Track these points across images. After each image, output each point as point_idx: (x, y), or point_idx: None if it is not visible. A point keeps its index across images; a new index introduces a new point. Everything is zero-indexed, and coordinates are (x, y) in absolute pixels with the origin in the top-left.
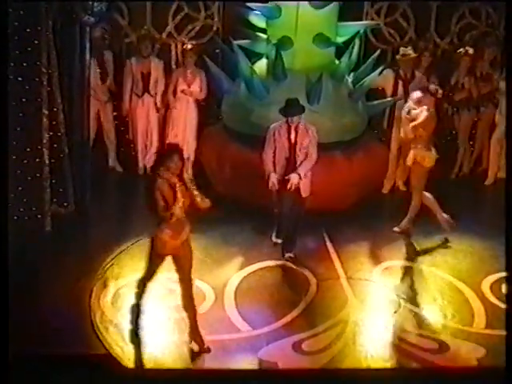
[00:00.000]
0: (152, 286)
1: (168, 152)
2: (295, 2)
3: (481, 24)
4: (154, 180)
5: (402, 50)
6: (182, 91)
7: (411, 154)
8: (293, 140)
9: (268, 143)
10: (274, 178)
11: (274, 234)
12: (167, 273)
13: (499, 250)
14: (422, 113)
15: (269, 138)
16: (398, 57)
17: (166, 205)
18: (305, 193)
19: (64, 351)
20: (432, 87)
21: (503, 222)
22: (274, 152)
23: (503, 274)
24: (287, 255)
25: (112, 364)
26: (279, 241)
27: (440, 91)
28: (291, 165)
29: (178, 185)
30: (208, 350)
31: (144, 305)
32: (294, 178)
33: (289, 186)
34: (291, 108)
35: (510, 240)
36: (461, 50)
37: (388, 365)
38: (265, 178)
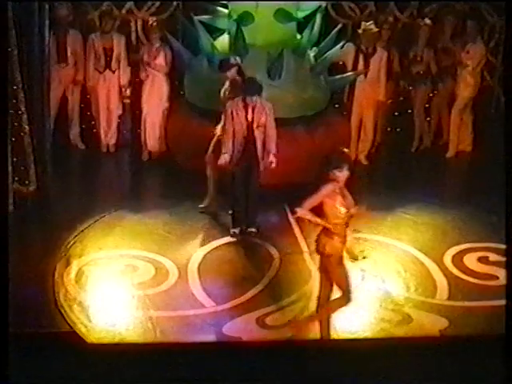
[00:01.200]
0: (114, 263)
1: (338, 160)
2: None
3: None
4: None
5: (363, 24)
6: (148, 65)
7: None
8: (250, 118)
9: (227, 121)
10: (226, 158)
11: (231, 226)
12: (129, 250)
13: (461, 222)
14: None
15: (227, 116)
16: (359, 31)
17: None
18: (262, 166)
19: (27, 329)
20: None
21: (465, 195)
22: (233, 130)
23: (465, 245)
24: (249, 230)
25: (76, 341)
26: (237, 230)
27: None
28: (249, 143)
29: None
30: None
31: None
32: (272, 158)
33: (272, 166)
34: (250, 87)
35: (510, 218)
36: (419, 20)
37: (352, 338)
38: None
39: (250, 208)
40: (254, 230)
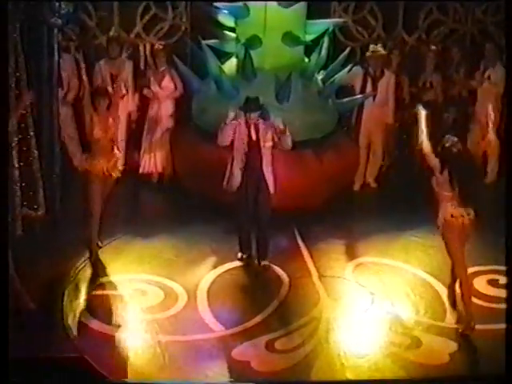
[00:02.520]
0: (122, 287)
1: None
2: (263, 2)
3: (448, 20)
4: None
5: (371, 47)
6: (157, 93)
7: None
8: (254, 137)
9: (226, 133)
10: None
11: (238, 251)
12: (138, 274)
13: (470, 245)
14: None
15: (226, 130)
16: (367, 53)
17: None
18: (272, 189)
19: (36, 354)
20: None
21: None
22: (233, 146)
23: (474, 268)
24: (263, 263)
25: (84, 367)
26: (245, 255)
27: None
28: (256, 161)
29: None
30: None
31: None
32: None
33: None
34: (251, 105)
35: (510, 238)
36: (426, 47)
37: (361, 361)
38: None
39: (261, 237)
40: (266, 263)
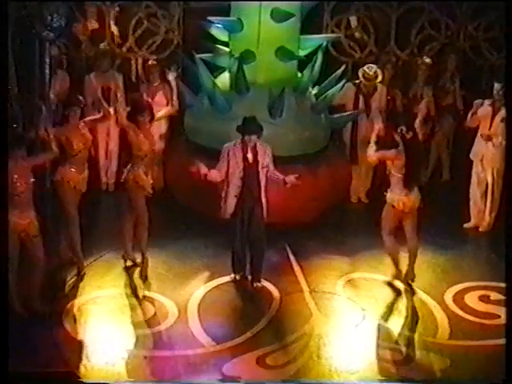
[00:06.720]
0: (113, 302)
1: None
2: (257, 16)
3: (440, 35)
4: None
5: (361, 70)
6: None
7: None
8: (251, 160)
9: (222, 162)
10: (203, 169)
11: (232, 271)
12: (129, 288)
13: (461, 261)
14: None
15: (223, 156)
16: (359, 74)
17: None
18: (265, 213)
19: (26, 369)
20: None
21: (465, 234)
22: (227, 171)
23: (466, 284)
24: (256, 285)
25: (74, 381)
26: (237, 277)
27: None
28: (253, 185)
29: None
30: None
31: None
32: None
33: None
34: (249, 126)
35: (510, 251)
36: (418, 59)
37: (352, 378)
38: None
39: (255, 258)
40: (259, 285)
